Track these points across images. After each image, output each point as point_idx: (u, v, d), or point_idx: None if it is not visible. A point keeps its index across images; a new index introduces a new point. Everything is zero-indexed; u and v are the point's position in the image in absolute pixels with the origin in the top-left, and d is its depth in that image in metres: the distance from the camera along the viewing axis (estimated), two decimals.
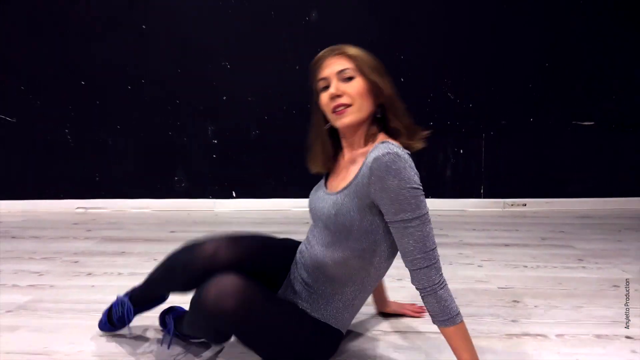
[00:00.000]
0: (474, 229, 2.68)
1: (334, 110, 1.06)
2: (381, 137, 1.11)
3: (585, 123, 3.27)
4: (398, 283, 1.69)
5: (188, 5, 3.11)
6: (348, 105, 1.05)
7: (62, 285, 1.72)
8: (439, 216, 2.99)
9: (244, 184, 3.31)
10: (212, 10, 3.11)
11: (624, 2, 3.16)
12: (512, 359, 1.21)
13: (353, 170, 1.10)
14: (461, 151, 3.27)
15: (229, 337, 1.20)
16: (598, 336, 1.33)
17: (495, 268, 1.96)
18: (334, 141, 1.19)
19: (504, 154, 3.30)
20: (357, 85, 1.06)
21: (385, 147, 1.01)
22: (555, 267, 1.97)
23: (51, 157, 3.16)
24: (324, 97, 1.08)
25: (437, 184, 3.30)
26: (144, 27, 3.08)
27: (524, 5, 3.16)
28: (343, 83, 1.06)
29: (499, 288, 1.72)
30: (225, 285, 1.01)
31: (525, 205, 3.29)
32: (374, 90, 1.08)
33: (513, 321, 1.44)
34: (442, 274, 1.02)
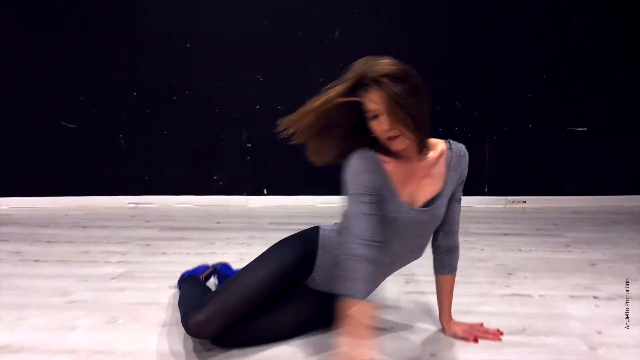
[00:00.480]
0: (478, 222, 3.04)
1: (388, 139, 1.22)
2: (433, 140, 1.36)
3: (579, 129, 3.63)
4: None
5: (226, 27, 3.52)
6: (398, 136, 1.21)
7: (145, 261, 2.12)
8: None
9: (274, 182, 3.71)
10: (247, 31, 3.51)
11: (614, 21, 3.55)
12: (504, 309, 1.58)
13: (439, 173, 1.35)
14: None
15: None
16: (571, 296, 1.69)
17: (494, 251, 2.32)
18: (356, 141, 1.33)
19: (506, 156, 3.66)
20: (403, 121, 1.19)
21: (455, 144, 1.40)
22: (545, 250, 2.33)
23: (106, 159, 3.58)
24: (376, 125, 1.22)
25: None
26: (188, 45, 3.50)
27: (523, 28, 3.52)
28: (390, 118, 1.19)
29: (496, 265, 2.09)
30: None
31: (525, 202, 3.65)
32: (415, 121, 1.21)
33: (506, 286, 1.81)
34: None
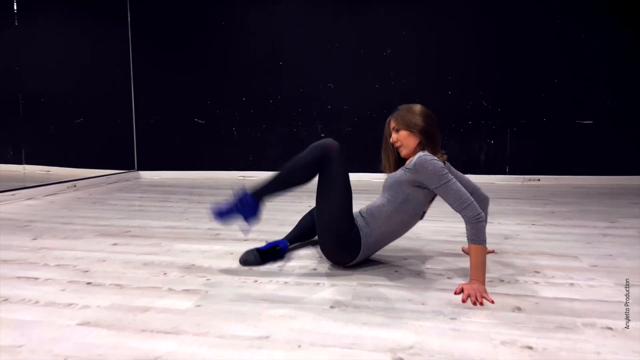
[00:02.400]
0: (498, 197, 3.94)
1: (395, 147, 1.81)
2: (419, 152, 1.72)
3: (586, 122, 4.37)
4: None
5: (308, 48, 4.65)
6: (400, 145, 1.79)
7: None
8: None
9: None
10: (323, 50, 4.63)
11: (619, 24, 4.20)
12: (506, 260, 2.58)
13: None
14: (492, 142, 4.52)
15: (314, 175, 1.76)
16: (565, 256, 2.65)
17: (507, 221, 3.28)
18: (396, 155, 1.86)
19: (524, 144, 4.40)
20: (403, 134, 1.77)
21: (418, 155, 1.68)
22: (548, 219, 3.11)
23: (224, 145, 4.91)
24: (392, 139, 1.82)
25: (474, 165, 4.57)
26: (280, 63, 4.75)
27: (537, 40, 4.26)
28: (395, 133, 1.79)
29: (504, 228, 3.07)
30: (333, 142, 1.74)
31: (540, 180, 4.47)
32: (413, 135, 1.77)
33: (509, 245, 2.79)
34: (480, 215, 1.56)
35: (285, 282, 1.64)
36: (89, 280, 1.65)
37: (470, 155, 4.46)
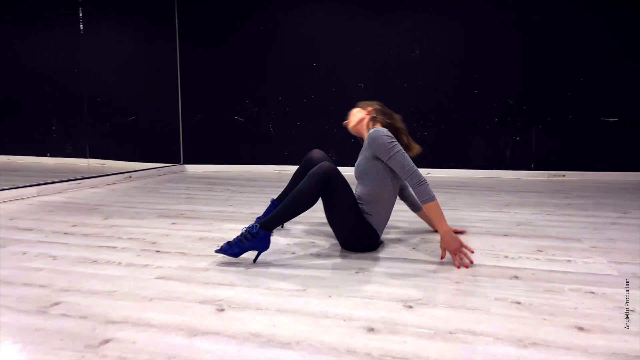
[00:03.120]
0: (520, 191, 4.10)
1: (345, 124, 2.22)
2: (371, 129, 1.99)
3: (611, 119, 4.46)
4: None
5: (340, 50, 4.94)
6: (349, 123, 2.16)
7: None
8: (498, 182, 4.47)
9: None
10: (354, 52, 4.91)
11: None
12: (514, 241, 2.80)
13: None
14: (517, 138, 4.67)
15: (317, 198, 1.85)
16: (569, 239, 2.85)
17: (523, 211, 3.47)
18: None
19: (549, 140, 4.52)
20: (352, 111, 2.19)
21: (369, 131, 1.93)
22: (563, 210, 3.40)
23: (261, 141, 5.28)
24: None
25: (500, 161, 4.74)
26: (314, 64, 5.06)
27: (563, 40, 4.39)
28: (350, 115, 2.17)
29: (520, 217, 3.27)
30: (331, 165, 1.88)
31: (565, 176, 4.58)
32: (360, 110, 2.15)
33: (520, 229, 3.01)
34: (421, 179, 1.82)
35: (319, 255, 1.94)
36: (158, 249, 2.00)
37: (496, 151, 4.63)
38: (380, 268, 1.74)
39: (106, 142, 5.26)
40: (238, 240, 1.81)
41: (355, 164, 2.05)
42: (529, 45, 4.48)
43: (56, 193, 3.52)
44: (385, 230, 2.35)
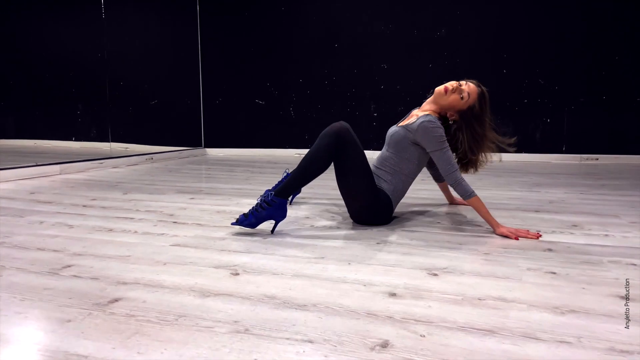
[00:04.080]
0: (551, 173, 3.93)
1: (454, 92, 1.98)
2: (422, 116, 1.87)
3: None
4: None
5: (362, 30, 4.82)
6: (460, 98, 1.96)
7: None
8: (526, 165, 4.29)
9: None
10: (377, 32, 4.77)
11: None
12: (547, 217, 2.67)
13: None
14: (548, 120, 4.47)
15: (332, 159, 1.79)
16: (605, 215, 2.70)
17: (554, 190, 3.31)
18: None
19: (582, 122, 4.31)
20: (472, 89, 2.02)
21: (422, 119, 1.83)
22: (597, 190, 3.23)
23: (281, 124, 5.22)
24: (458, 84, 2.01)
25: (529, 143, 4.54)
26: (336, 45, 4.96)
27: (600, 16, 4.17)
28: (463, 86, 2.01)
29: (551, 196, 3.12)
30: (343, 125, 1.82)
31: (598, 159, 4.37)
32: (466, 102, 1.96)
33: (552, 207, 2.87)
34: (459, 178, 1.77)
35: (338, 227, 1.86)
36: (175, 221, 1.96)
37: (526, 133, 4.44)
38: (402, 239, 1.66)
39: (129, 126, 5.29)
40: (254, 210, 1.75)
41: (392, 129, 1.98)
42: (561, 21, 4.27)
43: (78, 172, 3.55)
44: (406, 204, 2.26)
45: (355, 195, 1.84)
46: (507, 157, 4.46)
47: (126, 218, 2.01)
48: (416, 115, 1.93)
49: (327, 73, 4.91)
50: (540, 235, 1.67)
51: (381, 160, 1.93)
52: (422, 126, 1.80)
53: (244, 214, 1.77)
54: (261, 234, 1.74)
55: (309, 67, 4.96)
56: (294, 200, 2.43)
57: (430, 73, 4.60)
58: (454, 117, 1.94)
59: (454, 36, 4.52)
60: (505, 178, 3.29)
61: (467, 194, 1.75)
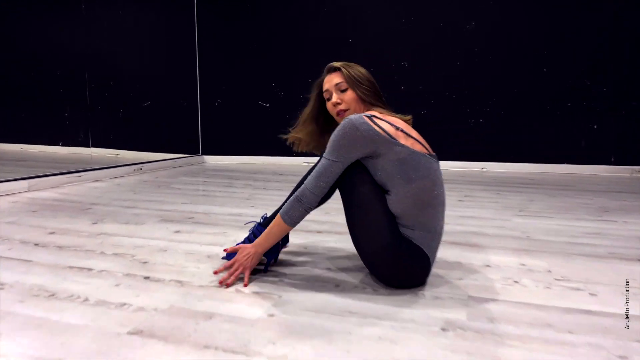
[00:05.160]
0: (609, 190, 3.38)
1: (338, 114, 1.42)
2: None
3: None
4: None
5: (380, 24, 4.27)
6: (346, 110, 1.41)
7: None
8: (573, 179, 3.73)
9: None
10: (396, 25, 4.23)
11: None
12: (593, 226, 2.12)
13: None
14: (595, 127, 3.91)
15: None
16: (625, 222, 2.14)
17: (635, 220, 2.77)
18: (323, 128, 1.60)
19: (634, 129, 3.80)
20: (350, 95, 1.42)
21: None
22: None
23: (288, 129, 4.70)
24: (329, 105, 1.44)
25: (573, 153, 3.99)
26: (350, 40, 4.41)
27: None
28: (341, 94, 1.43)
29: (631, 225, 2.56)
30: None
31: None
32: (360, 97, 1.43)
33: (603, 212, 2.31)
34: (309, 197, 1.29)
35: (374, 290, 1.32)
36: (147, 274, 1.42)
37: (569, 142, 3.88)
38: (480, 321, 1.11)
39: (119, 130, 4.78)
40: (242, 243, 1.47)
41: None
42: (611, 13, 3.70)
43: (51, 188, 3.02)
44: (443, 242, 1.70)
45: (363, 236, 1.30)
46: (547, 168, 3.91)
47: (83, 269, 1.47)
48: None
49: None
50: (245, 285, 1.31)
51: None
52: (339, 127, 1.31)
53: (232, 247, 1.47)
54: (268, 298, 1.20)
55: (319, 66, 4.38)
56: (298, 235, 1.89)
57: (458, 71, 4.04)
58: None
59: (486, 29, 3.96)
60: (560, 198, 2.74)
61: (290, 216, 1.32)
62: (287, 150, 4.58)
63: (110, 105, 4.68)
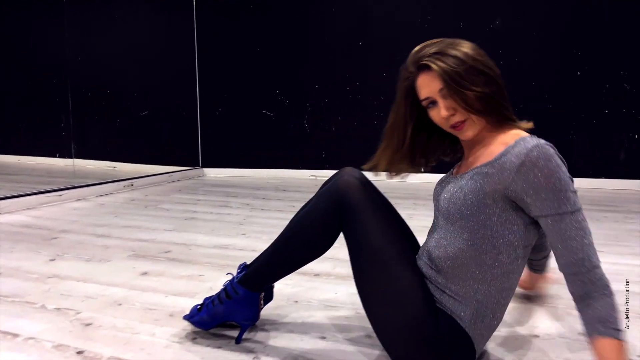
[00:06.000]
0: None
1: (453, 127, 0.98)
2: (513, 131, 0.98)
3: None
4: None
5: (394, 24, 3.87)
6: (464, 121, 0.97)
7: None
8: (613, 197, 3.30)
9: None
10: (413, 26, 3.83)
11: None
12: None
13: (486, 154, 0.96)
14: (636, 136, 3.48)
15: (333, 240, 1.06)
16: None
17: None
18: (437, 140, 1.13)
19: None
20: (464, 100, 0.95)
21: (532, 140, 0.89)
22: None
23: (293, 140, 4.31)
24: (436, 115, 1.00)
25: (610, 166, 3.55)
26: (360, 43, 4.05)
27: None
28: (449, 100, 0.97)
29: None
30: (352, 178, 1.04)
31: None
32: (480, 98, 0.95)
33: None
34: (603, 282, 0.85)
35: None
36: (82, 347, 1.09)
37: (606, 153, 3.46)
38: None
39: (117, 142, 4.52)
40: (210, 301, 1.16)
41: (446, 190, 1.02)
42: None
43: (26, 209, 2.72)
44: None
45: (381, 316, 0.98)
46: (582, 182, 3.48)
47: (7, 334, 1.15)
48: (505, 145, 0.96)
49: (350, 77, 4.01)
50: None
51: (429, 256, 1.02)
52: (535, 156, 0.87)
53: (199, 304, 1.19)
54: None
55: (327, 71, 4.07)
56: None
57: None
58: None
59: (512, 28, 3.57)
60: (603, 223, 2.33)
61: (617, 326, 0.82)
62: (292, 163, 4.24)
63: (107, 115, 4.42)
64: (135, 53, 4.27)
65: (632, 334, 1.13)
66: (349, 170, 1.09)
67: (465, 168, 1.03)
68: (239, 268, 1.19)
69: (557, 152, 0.91)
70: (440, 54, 1.00)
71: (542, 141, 0.90)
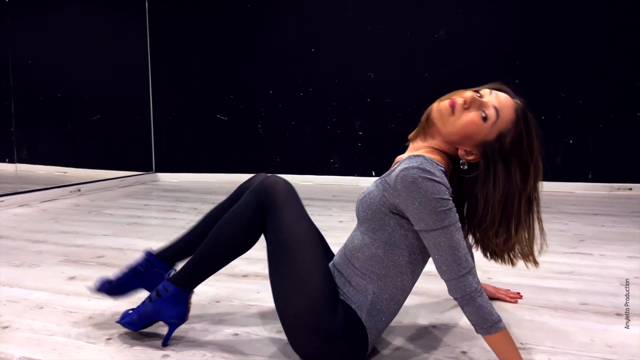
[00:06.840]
0: (574, 204, 3.15)
1: (452, 104, 1.17)
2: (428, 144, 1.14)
3: None
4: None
5: (344, 33, 3.98)
6: (454, 112, 1.14)
7: None
8: (548, 198, 3.50)
9: (382, 165, 4.16)
10: (362, 35, 3.94)
11: None
12: (562, 261, 1.87)
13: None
14: (571, 141, 3.70)
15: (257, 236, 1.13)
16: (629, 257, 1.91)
17: (577, 225, 2.53)
18: None
19: (613, 144, 3.57)
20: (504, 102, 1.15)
21: (413, 159, 1.00)
22: (623, 223, 2.47)
23: (248, 144, 4.34)
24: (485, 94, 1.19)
25: (548, 170, 3.78)
26: (313, 50, 4.14)
27: (637, 14, 3.51)
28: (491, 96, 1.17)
29: (573, 234, 2.33)
30: (278, 178, 1.15)
31: (631, 189, 3.58)
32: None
33: (572, 248, 2.07)
34: (473, 288, 0.94)
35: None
36: None
37: (544, 158, 3.67)
38: None
39: (68, 147, 4.45)
40: (142, 302, 1.17)
41: (363, 193, 1.11)
42: (588, 21, 3.52)
43: None
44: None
45: (283, 300, 1.06)
46: None
47: None
48: (400, 159, 1.13)
49: (303, 83, 4.10)
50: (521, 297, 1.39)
51: (350, 247, 1.11)
52: (404, 177, 0.96)
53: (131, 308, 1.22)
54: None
55: (281, 76, 4.15)
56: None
57: (426, 83, 3.82)
58: (471, 158, 1.08)
59: (456, 38, 3.75)
60: None
61: (488, 324, 0.94)
62: (246, 167, 4.28)
63: (58, 119, 4.35)
64: (86, 57, 4.22)
65: (632, 334, 1.22)
66: (272, 175, 1.19)
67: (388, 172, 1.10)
68: (144, 253, 1.29)
69: (436, 173, 0.97)
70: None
71: (424, 162, 0.98)
